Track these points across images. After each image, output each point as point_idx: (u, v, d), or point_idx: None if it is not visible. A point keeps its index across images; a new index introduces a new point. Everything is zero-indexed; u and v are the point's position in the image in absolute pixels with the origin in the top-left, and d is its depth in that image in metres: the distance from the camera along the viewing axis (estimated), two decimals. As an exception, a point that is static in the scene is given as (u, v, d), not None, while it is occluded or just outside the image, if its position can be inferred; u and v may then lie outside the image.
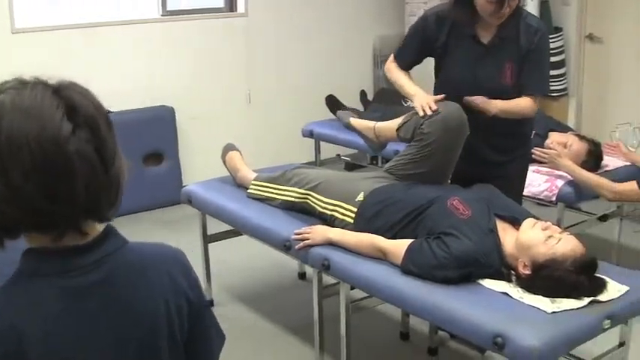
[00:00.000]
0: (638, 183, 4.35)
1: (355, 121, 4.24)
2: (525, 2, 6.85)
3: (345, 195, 3.77)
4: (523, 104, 3.81)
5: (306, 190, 3.99)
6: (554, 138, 5.14)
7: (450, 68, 3.91)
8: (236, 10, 7.40)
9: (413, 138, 3.74)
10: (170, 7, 7.00)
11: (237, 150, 4.70)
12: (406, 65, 4.05)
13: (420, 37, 3.94)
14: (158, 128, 6.75)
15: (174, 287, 1.67)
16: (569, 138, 5.05)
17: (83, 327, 1.52)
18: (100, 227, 1.66)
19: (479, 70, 3.81)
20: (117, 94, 6.53)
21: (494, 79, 3.80)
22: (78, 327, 1.52)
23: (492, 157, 3.96)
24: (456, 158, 3.78)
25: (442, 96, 3.74)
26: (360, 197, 3.68)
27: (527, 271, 3.12)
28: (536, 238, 3.16)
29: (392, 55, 4.09)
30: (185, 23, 7.01)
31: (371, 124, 4.14)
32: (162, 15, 6.97)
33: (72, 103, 1.54)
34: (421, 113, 3.67)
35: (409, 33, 4.08)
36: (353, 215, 3.68)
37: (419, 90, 3.86)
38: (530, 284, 3.08)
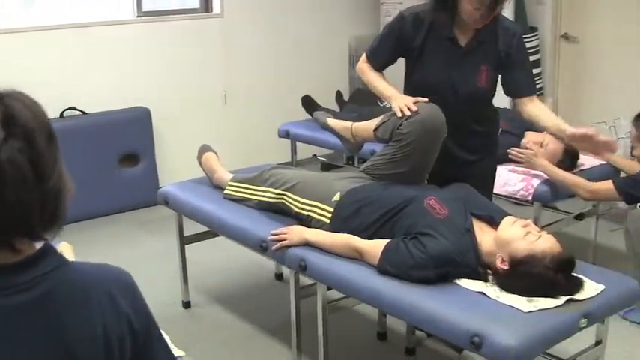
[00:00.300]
0: (613, 182, 4.36)
1: (332, 122, 4.24)
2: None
3: (322, 195, 3.77)
4: (546, 111, 3.96)
5: (282, 190, 3.98)
6: (530, 137, 5.16)
7: (425, 70, 3.89)
8: (212, 11, 7.38)
9: (391, 138, 3.74)
10: (145, 8, 6.98)
11: (213, 151, 4.70)
12: (380, 65, 4.03)
13: (396, 37, 3.91)
14: (134, 129, 6.73)
15: (117, 313, 1.61)
16: (546, 137, 5.06)
17: (6, 351, 1.48)
18: (38, 245, 1.58)
19: (455, 73, 3.81)
20: (93, 95, 6.53)
21: (470, 82, 3.81)
22: (2, 350, 1.47)
23: (463, 157, 3.97)
24: (433, 159, 3.78)
25: (424, 99, 3.73)
26: (337, 197, 3.68)
27: (505, 266, 3.13)
28: (515, 234, 3.17)
29: (364, 55, 4.07)
30: (161, 24, 6.99)
31: (348, 124, 4.14)
32: (137, 16, 6.94)
33: (11, 112, 1.49)
34: (399, 114, 3.66)
35: (384, 32, 4.02)
36: (329, 216, 3.67)
37: (396, 92, 3.86)
38: (507, 281, 3.09)
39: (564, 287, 3.02)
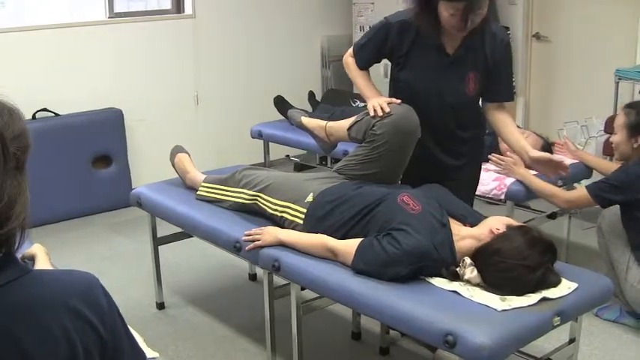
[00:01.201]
0: (587, 189, 4.38)
1: (306, 120, 4.24)
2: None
3: (295, 196, 3.76)
4: (513, 124, 4.02)
5: (255, 191, 3.98)
6: None
7: (412, 77, 3.88)
8: (183, 12, 7.37)
9: (364, 139, 3.74)
10: (117, 9, 6.95)
11: (186, 152, 4.68)
12: (364, 63, 4.04)
13: (382, 42, 3.91)
14: (106, 131, 6.70)
15: (81, 323, 1.57)
16: (526, 131, 5.11)
17: None
18: None
19: (442, 81, 3.80)
20: (65, 97, 6.50)
21: (458, 91, 3.81)
22: None
23: (448, 162, 3.98)
24: (407, 160, 3.79)
25: (398, 100, 3.74)
26: (310, 198, 3.68)
27: (480, 262, 3.14)
28: (488, 231, 3.19)
29: (351, 49, 4.08)
30: (132, 25, 6.96)
31: (322, 122, 4.14)
32: (109, 17, 6.91)
33: None
34: (372, 113, 3.67)
35: (372, 33, 4.00)
36: (302, 216, 3.67)
37: (375, 92, 3.90)
38: (484, 271, 3.09)
39: (542, 278, 3.04)
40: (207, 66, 7.47)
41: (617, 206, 4.43)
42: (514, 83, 7.10)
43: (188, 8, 7.34)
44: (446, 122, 3.87)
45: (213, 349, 4.38)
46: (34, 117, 6.36)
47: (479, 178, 4.25)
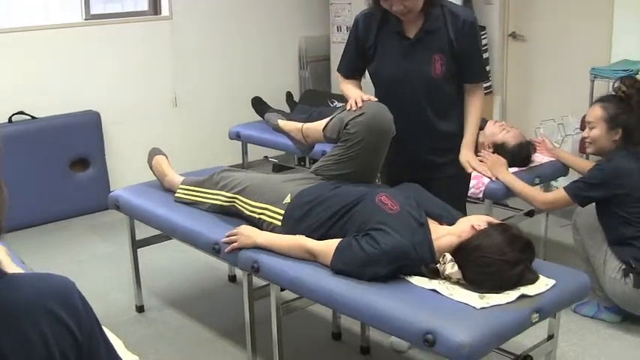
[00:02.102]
0: (565, 190, 4.41)
1: (283, 123, 4.24)
2: None
3: (272, 198, 3.76)
4: (475, 109, 4.00)
5: (233, 194, 3.97)
6: (491, 127, 5.17)
7: (380, 66, 3.95)
8: (160, 14, 7.35)
9: (339, 138, 3.75)
10: (93, 11, 6.93)
11: (163, 154, 4.67)
12: (347, 71, 4.10)
13: (355, 41, 4.00)
14: (84, 133, 6.68)
15: (58, 327, 1.57)
16: (506, 125, 5.15)
17: None
18: None
19: (407, 65, 3.85)
20: (41, 100, 6.48)
21: (423, 72, 3.84)
22: None
23: (435, 160, 4.00)
24: (382, 158, 3.80)
25: (374, 98, 3.77)
26: (287, 199, 3.68)
27: (459, 259, 3.15)
28: (468, 227, 3.21)
29: (337, 72, 4.19)
30: (109, 27, 6.94)
31: (298, 125, 4.15)
32: (85, 19, 6.89)
33: None
34: (347, 107, 3.71)
35: (347, 41, 4.11)
36: (280, 217, 3.67)
37: (357, 91, 3.93)
38: (464, 267, 3.10)
39: (521, 274, 3.05)
40: (184, 67, 7.46)
41: (591, 214, 4.46)
42: (490, 81, 7.14)
43: (165, 10, 7.33)
44: (422, 112, 3.90)
45: (193, 352, 4.38)
46: (10, 120, 6.34)
47: (469, 178, 4.24)
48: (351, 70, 4.11)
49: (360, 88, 4.09)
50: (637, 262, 4.25)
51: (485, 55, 7.10)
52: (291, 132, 4.17)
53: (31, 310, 1.55)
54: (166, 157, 4.65)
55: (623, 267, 4.29)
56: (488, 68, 7.15)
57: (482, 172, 4.33)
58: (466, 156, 3.98)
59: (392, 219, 3.24)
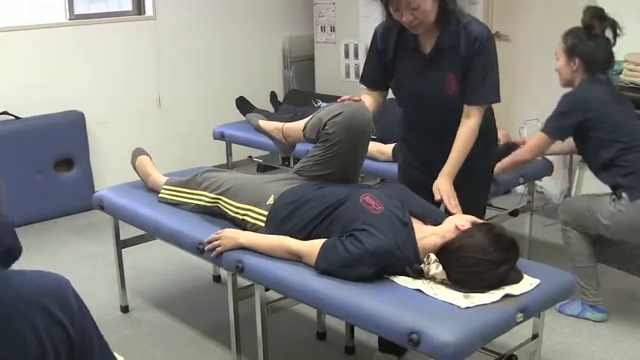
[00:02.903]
0: (542, 130, 4.44)
1: (264, 123, 4.23)
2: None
3: (256, 199, 3.75)
4: (465, 134, 3.68)
5: (216, 194, 3.97)
6: None
7: (399, 81, 3.86)
8: (144, 14, 7.34)
9: (318, 138, 3.75)
10: (77, 11, 6.91)
11: (147, 154, 4.67)
12: (373, 83, 3.96)
13: (375, 53, 3.88)
14: (68, 133, 6.67)
15: (51, 323, 1.59)
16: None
17: None
18: None
19: (423, 82, 3.73)
20: (25, 100, 6.46)
21: (438, 90, 3.69)
22: None
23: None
24: (362, 158, 3.82)
25: (356, 98, 3.76)
26: (271, 200, 3.67)
27: (447, 247, 3.16)
28: (452, 226, 3.21)
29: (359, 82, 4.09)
30: (93, 27, 6.93)
31: (279, 125, 4.14)
32: (69, 19, 6.88)
33: None
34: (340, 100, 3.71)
35: (367, 53, 3.98)
36: (264, 219, 3.66)
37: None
38: (448, 267, 3.11)
39: (505, 273, 3.06)
40: (168, 67, 7.46)
41: (573, 197, 4.48)
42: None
43: (149, 10, 7.32)
44: (441, 125, 3.76)
45: (178, 352, 4.37)
46: (-6, 120, 6.33)
47: (489, 180, 4.12)
48: (374, 81, 3.97)
49: (380, 102, 3.99)
50: (624, 177, 4.29)
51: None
52: (272, 132, 4.16)
53: (24, 306, 1.57)
54: (150, 158, 4.65)
55: (614, 196, 4.34)
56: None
57: (448, 204, 3.67)
58: (441, 184, 3.66)
59: (376, 219, 3.24)
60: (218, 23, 7.79)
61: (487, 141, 3.91)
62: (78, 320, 1.65)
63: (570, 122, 4.38)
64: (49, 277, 1.68)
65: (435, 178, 3.70)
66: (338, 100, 3.77)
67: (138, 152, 4.68)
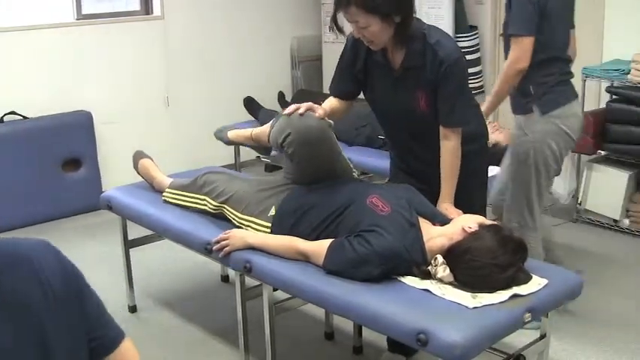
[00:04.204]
0: (509, 36, 4.30)
1: (233, 135, 4.15)
2: (441, 4, 6.92)
3: (257, 210, 3.73)
4: (450, 157, 3.61)
5: (219, 203, 3.95)
6: None
7: (372, 96, 3.79)
8: (152, 13, 7.34)
9: (281, 147, 3.70)
10: (85, 11, 6.92)
11: (148, 156, 4.65)
12: (341, 93, 3.84)
13: (345, 62, 3.77)
14: (76, 134, 6.67)
15: (35, 279, 1.66)
16: (496, 124, 5.12)
17: None
18: None
19: (393, 98, 3.66)
20: (33, 100, 6.47)
21: (409, 107, 3.61)
22: None
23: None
24: (327, 161, 3.75)
25: (316, 108, 3.64)
26: (272, 212, 3.65)
27: (456, 247, 3.15)
28: (459, 228, 3.20)
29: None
30: (101, 27, 6.93)
31: (247, 132, 4.09)
32: (77, 19, 6.88)
33: None
34: (286, 112, 3.63)
35: (338, 61, 3.84)
36: (268, 230, 3.65)
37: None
38: (455, 269, 3.11)
39: (512, 275, 3.06)
40: (176, 67, 7.45)
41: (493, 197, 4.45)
42: (481, 81, 7.14)
43: (157, 9, 7.32)
44: (422, 135, 3.72)
45: (186, 352, 4.38)
46: (1, 120, 6.33)
47: (482, 175, 4.03)
48: (341, 92, 3.86)
49: (347, 109, 3.90)
50: (536, 85, 4.30)
51: (476, 55, 7.11)
52: (244, 141, 4.12)
53: (7, 263, 1.63)
54: (151, 159, 4.63)
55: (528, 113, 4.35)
56: (479, 68, 7.16)
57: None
58: (446, 208, 3.59)
59: (383, 220, 3.24)
60: (226, 23, 7.78)
61: (475, 144, 3.83)
62: (62, 280, 1.74)
63: (534, 8, 4.15)
64: (32, 239, 1.76)
65: (422, 182, 3.71)
66: (284, 112, 3.70)
67: (138, 156, 4.66)
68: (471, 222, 3.22)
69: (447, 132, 3.58)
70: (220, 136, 4.29)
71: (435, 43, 3.46)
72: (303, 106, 3.60)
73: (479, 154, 3.87)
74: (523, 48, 4.20)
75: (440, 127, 3.58)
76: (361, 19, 3.34)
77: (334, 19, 3.51)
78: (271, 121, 3.82)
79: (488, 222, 3.27)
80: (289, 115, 3.60)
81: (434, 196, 3.63)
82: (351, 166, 3.93)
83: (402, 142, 3.88)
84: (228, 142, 4.24)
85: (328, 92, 3.92)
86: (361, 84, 3.79)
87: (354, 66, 3.73)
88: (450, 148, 3.60)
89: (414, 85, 3.55)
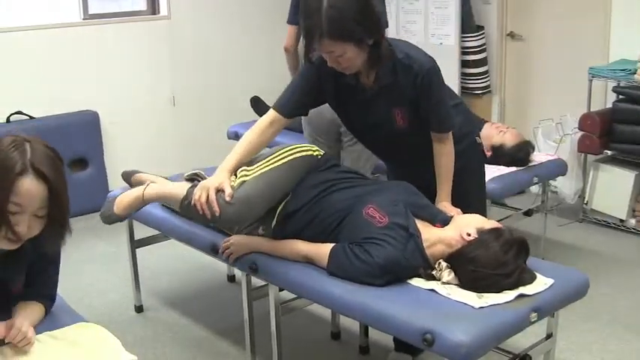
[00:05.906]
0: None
1: (118, 201, 4.05)
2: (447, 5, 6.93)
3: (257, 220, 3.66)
4: (445, 159, 3.61)
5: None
6: (488, 129, 5.09)
7: (346, 112, 3.71)
8: (158, 13, 7.34)
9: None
10: (92, 10, 6.93)
11: (135, 172, 4.47)
12: (291, 112, 3.67)
13: (307, 81, 3.62)
14: (82, 133, 6.68)
15: None
16: (502, 126, 5.08)
17: None
18: None
19: (370, 117, 3.60)
20: (39, 99, 6.47)
21: (387, 125, 3.57)
22: None
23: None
24: (287, 189, 3.60)
25: (228, 191, 3.47)
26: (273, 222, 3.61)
27: (461, 245, 3.14)
28: (468, 227, 3.19)
29: (271, 109, 3.71)
30: (107, 27, 6.94)
31: (139, 192, 3.95)
32: (83, 19, 6.89)
33: None
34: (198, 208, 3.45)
35: (297, 78, 3.71)
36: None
37: (222, 174, 3.66)
38: (459, 276, 3.11)
39: (516, 276, 3.05)
40: (183, 67, 7.46)
41: None
42: (488, 81, 7.14)
43: (163, 9, 7.32)
44: (407, 152, 3.72)
45: (192, 352, 4.38)
46: (8, 120, 6.34)
47: (478, 176, 4.09)
48: (291, 110, 3.67)
49: (284, 126, 3.72)
50: None
51: (483, 55, 7.10)
52: (135, 207, 4.00)
53: None
54: (140, 172, 4.44)
55: None
56: (485, 69, 7.15)
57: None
58: (444, 207, 3.57)
59: (382, 232, 3.22)
60: (232, 23, 7.78)
61: (463, 143, 3.81)
62: None
63: None
64: None
65: (415, 181, 3.64)
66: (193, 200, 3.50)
67: (126, 175, 4.49)
68: (469, 227, 3.18)
69: (440, 136, 3.59)
70: (108, 215, 4.11)
71: (404, 57, 3.42)
72: (210, 197, 3.43)
73: (469, 151, 3.91)
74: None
75: (432, 133, 3.58)
76: (336, 48, 3.25)
77: (307, 55, 3.46)
78: (187, 190, 3.68)
79: (487, 224, 3.25)
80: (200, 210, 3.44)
81: (428, 193, 3.60)
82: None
83: (383, 154, 3.92)
84: (117, 218, 4.05)
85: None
86: (317, 103, 3.72)
87: (318, 89, 3.61)
88: (445, 151, 3.61)
89: (390, 103, 3.51)
